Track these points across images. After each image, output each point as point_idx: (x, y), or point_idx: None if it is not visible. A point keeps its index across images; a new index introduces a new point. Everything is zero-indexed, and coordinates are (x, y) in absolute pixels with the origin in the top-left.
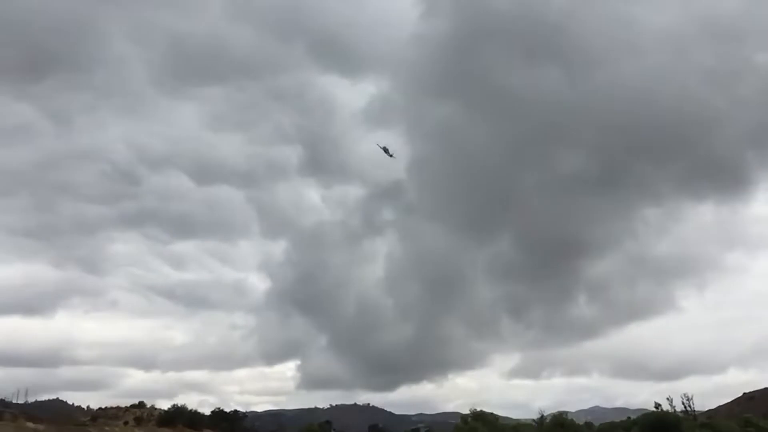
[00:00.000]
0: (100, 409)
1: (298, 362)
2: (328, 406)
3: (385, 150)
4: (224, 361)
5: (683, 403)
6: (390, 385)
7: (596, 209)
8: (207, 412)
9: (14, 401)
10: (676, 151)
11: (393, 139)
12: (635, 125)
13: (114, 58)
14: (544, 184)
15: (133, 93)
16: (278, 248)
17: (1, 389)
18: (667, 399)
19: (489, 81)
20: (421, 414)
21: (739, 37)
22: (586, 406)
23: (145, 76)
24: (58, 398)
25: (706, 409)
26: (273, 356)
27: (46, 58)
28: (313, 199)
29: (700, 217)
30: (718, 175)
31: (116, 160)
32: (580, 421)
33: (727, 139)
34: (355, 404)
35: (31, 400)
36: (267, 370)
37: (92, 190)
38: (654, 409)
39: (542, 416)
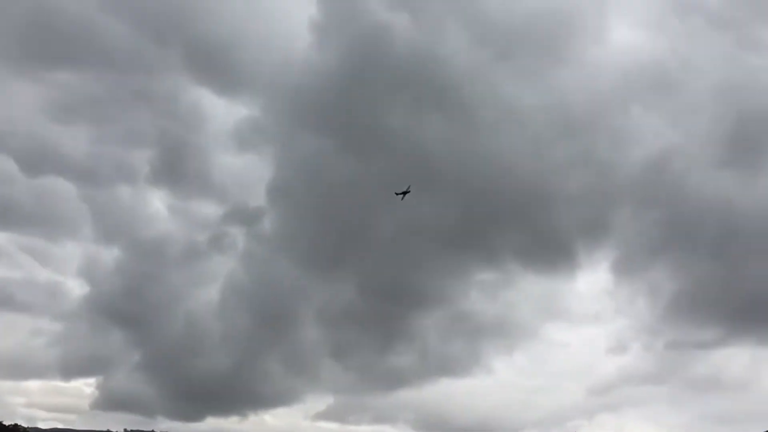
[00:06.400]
0: None
1: (100, 379)
2: (122, 431)
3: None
4: (16, 369)
5: None
6: (196, 415)
7: (442, 264)
8: None
9: None
10: (519, 221)
11: (258, 162)
12: (493, 190)
13: None
14: (400, 231)
15: None
16: (109, 255)
17: None
18: None
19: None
20: None
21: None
22: None
23: None
24: None
25: None
26: (73, 370)
27: None
28: (159, 209)
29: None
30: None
31: None
32: None
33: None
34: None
35: None
36: (62, 384)
37: None
38: None
39: None
